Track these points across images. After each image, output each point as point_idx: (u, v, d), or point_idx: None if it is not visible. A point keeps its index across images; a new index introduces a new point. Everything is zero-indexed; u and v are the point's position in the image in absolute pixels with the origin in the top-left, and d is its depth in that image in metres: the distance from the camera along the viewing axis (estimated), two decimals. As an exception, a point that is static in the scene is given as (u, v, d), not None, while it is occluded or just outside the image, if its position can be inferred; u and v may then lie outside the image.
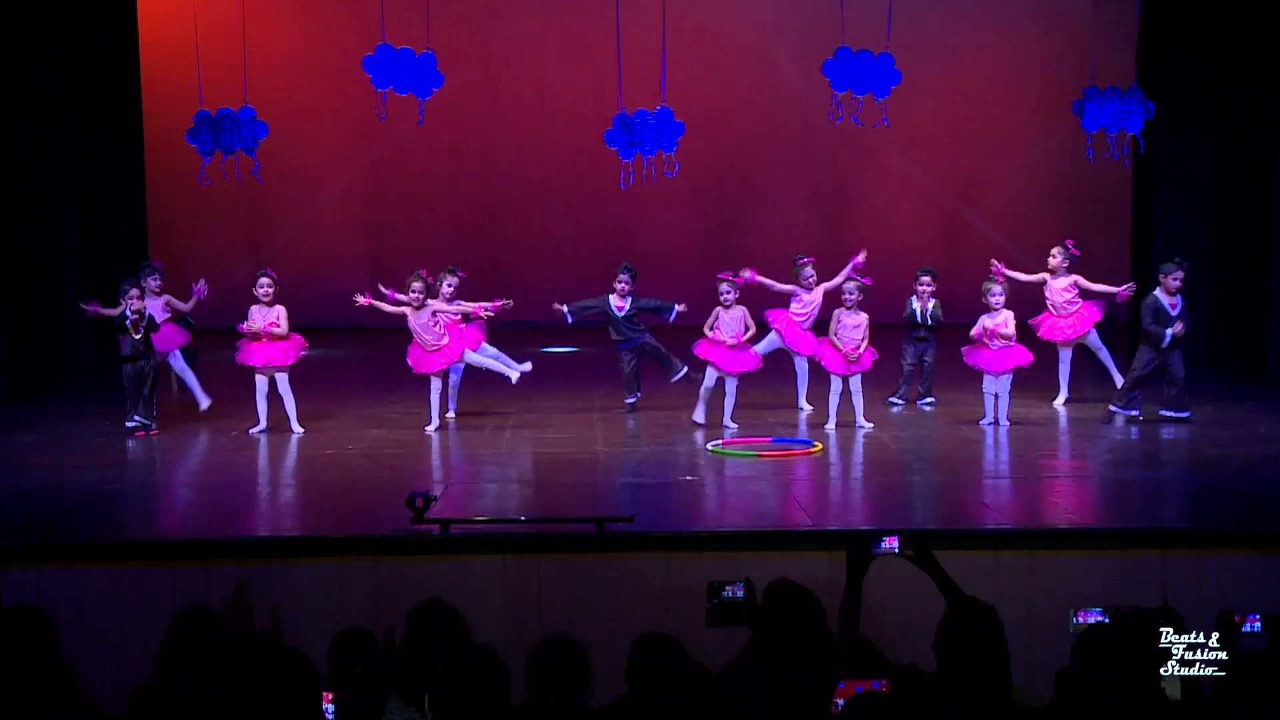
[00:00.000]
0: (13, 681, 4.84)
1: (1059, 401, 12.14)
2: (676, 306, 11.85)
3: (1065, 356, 12.23)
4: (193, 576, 7.60)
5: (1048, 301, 12.21)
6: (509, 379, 11.78)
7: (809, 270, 12.05)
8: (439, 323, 11.39)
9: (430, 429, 11.29)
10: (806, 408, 12.09)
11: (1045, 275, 12.18)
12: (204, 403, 12.02)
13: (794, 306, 12.01)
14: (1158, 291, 11.21)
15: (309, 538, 8.10)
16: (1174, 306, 11.16)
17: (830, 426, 11.24)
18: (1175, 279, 11.14)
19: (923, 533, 7.21)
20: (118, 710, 5.17)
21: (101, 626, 7.36)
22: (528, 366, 11.83)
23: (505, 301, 11.63)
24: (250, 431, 11.21)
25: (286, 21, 17.07)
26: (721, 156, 17.31)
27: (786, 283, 12.01)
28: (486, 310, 11.52)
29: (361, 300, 11.31)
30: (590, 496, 9.17)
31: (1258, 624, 4.99)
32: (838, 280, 11.76)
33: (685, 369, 11.91)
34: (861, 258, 11.80)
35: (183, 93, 13.97)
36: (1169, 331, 11.04)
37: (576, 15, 16.85)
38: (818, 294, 12.02)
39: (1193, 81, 14.97)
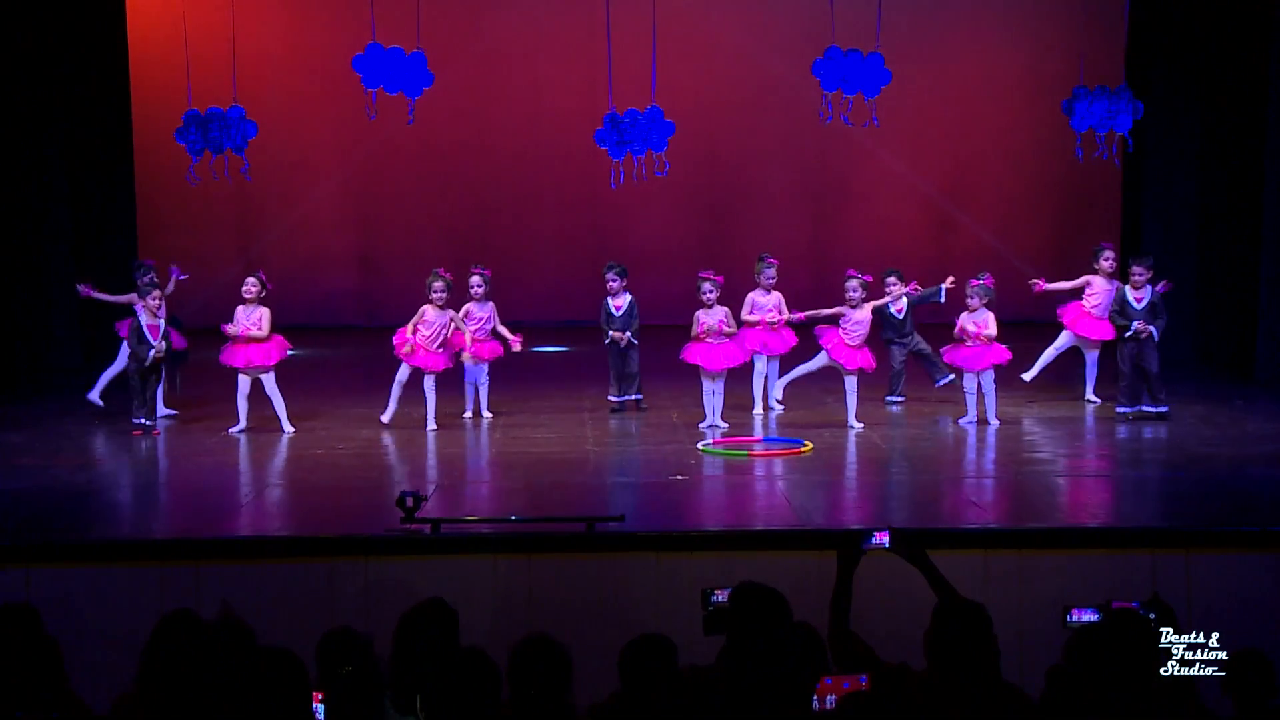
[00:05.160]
0: (2, 680, 4.82)
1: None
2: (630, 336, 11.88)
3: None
4: (182, 576, 7.59)
5: (1087, 302, 12.17)
6: (481, 408, 11.89)
7: (771, 272, 12.04)
8: (448, 330, 11.39)
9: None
10: (778, 408, 12.10)
11: (1090, 278, 12.19)
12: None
13: (751, 315, 11.95)
14: (1125, 286, 11.57)
15: (299, 538, 8.09)
16: (1139, 300, 11.45)
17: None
18: (1138, 275, 11.49)
19: (913, 532, 7.21)
20: (106, 711, 5.15)
21: (90, 627, 7.33)
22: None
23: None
24: (230, 431, 11.20)
25: (276, 21, 17.03)
26: (712, 156, 17.30)
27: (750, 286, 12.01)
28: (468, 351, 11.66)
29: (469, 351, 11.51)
30: (580, 496, 9.16)
31: None
32: (802, 316, 11.74)
33: (634, 399, 11.94)
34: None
35: (172, 92, 13.90)
36: (1134, 325, 11.33)
37: (567, 14, 16.83)
38: (775, 298, 11.97)
39: (1181, 81, 14.99)
